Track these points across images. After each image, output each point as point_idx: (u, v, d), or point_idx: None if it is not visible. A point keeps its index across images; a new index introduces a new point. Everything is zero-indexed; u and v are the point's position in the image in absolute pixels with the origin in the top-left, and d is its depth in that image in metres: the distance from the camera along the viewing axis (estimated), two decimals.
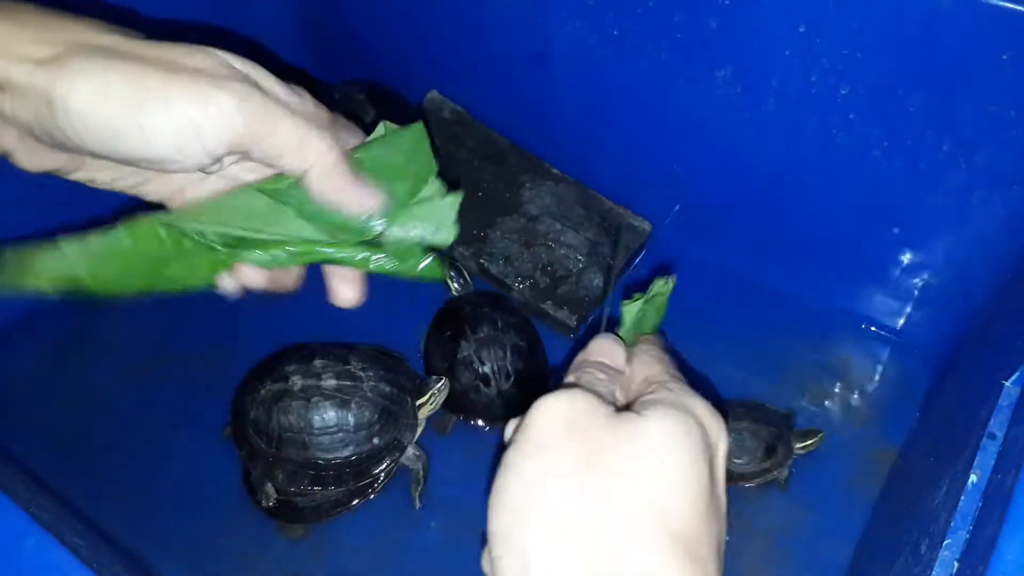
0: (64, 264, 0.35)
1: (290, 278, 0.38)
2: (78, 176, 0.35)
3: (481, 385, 0.67)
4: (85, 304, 0.77)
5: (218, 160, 0.33)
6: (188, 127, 0.31)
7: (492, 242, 0.75)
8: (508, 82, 0.76)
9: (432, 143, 0.37)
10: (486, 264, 0.73)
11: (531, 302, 0.72)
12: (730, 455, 0.61)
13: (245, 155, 0.33)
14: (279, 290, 0.38)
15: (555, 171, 0.78)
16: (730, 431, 0.61)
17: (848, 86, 0.57)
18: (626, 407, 0.33)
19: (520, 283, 0.73)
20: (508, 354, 0.67)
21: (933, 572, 0.40)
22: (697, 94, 0.64)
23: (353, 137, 0.37)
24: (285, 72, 0.36)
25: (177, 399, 0.70)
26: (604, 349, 0.37)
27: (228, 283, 0.37)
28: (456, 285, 0.73)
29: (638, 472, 0.28)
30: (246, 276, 0.37)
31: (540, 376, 0.69)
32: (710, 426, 0.31)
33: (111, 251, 0.35)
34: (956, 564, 0.40)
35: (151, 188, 0.37)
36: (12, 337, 0.75)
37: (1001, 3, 0.48)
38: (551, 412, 0.30)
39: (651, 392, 0.33)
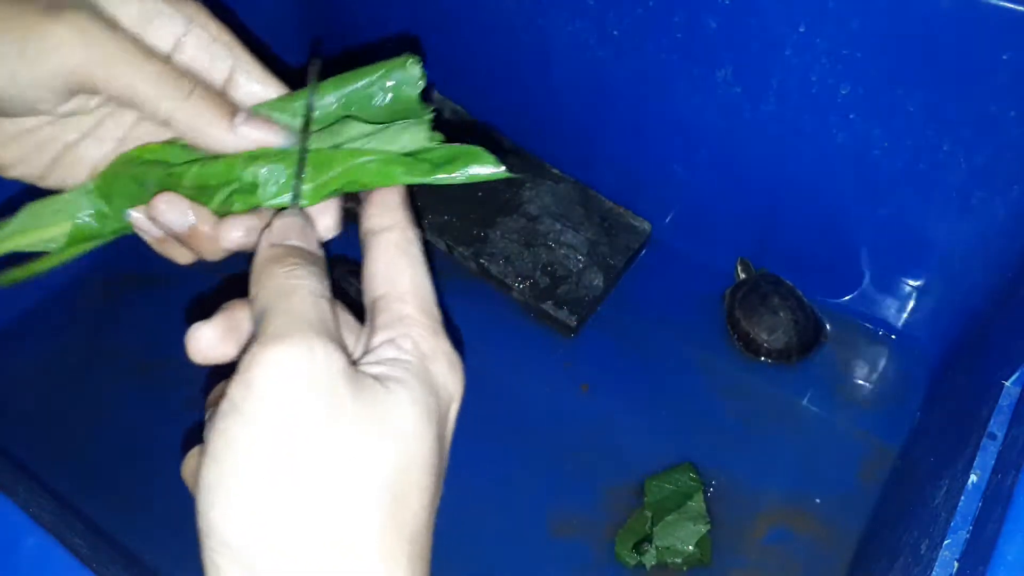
0: (72, 208, 0.34)
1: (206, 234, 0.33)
2: None
3: None
4: (85, 302, 0.77)
5: (66, 100, 0.31)
6: (19, 59, 0.29)
7: (492, 242, 0.75)
8: (508, 82, 0.76)
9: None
10: (486, 264, 0.73)
11: (531, 302, 0.72)
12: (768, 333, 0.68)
13: (95, 94, 0.31)
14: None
15: (555, 171, 0.78)
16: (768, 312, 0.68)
17: (848, 86, 0.57)
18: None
19: (520, 283, 0.73)
20: None
21: (933, 572, 0.40)
22: (697, 94, 0.64)
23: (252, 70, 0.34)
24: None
25: (177, 399, 0.70)
26: (292, 230, 0.31)
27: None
28: None
29: (380, 459, 0.25)
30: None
31: None
32: (449, 387, 0.29)
33: (118, 171, 0.34)
34: (956, 564, 0.40)
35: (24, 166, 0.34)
36: (12, 337, 0.75)
37: (1001, 3, 0.48)
38: (288, 370, 0.25)
39: (394, 342, 0.29)
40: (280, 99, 0.35)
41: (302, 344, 0.25)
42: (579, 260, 0.74)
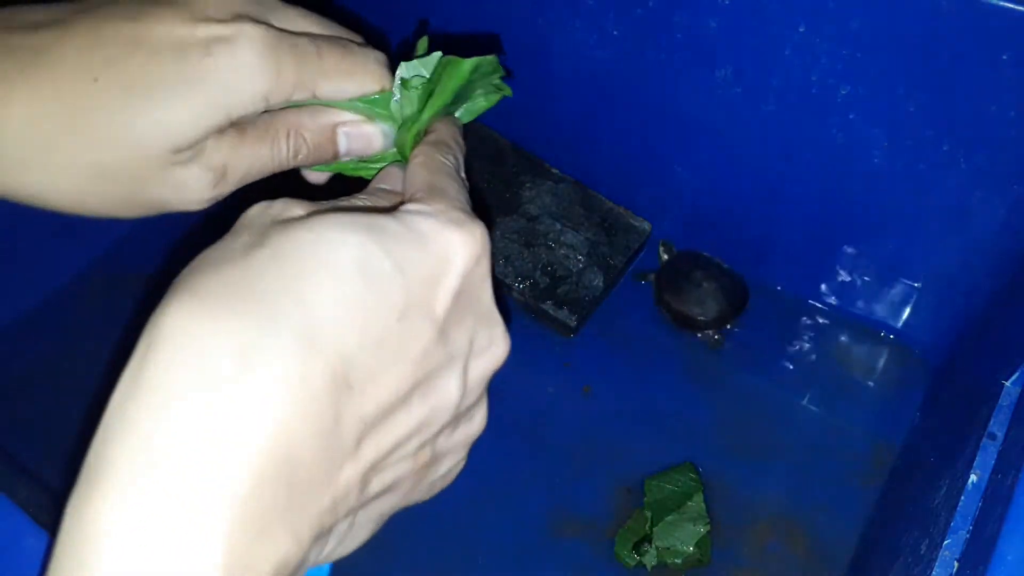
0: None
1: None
2: None
3: None
4: (85, 302, 0.77)
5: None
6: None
7: (492, 242, 0.74)
8: (508, 82, 0.76)
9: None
10: None
11: (531, 302, 0.72)
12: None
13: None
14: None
15: (555, 171, 0.78)
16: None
17: (848, 86, 0.57)
18: None
19: (520, 283, 0.73)
20: None
21: (933, 572, 0.40)
22: (697, 94, 0.64)
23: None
24: None
25: None
26: (386, 175, 0.36)
27: None
28: None
29: (285, 276, 0.25)
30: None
31: None
32: (440, 242, 0.27)
33: None
34: (956, 564, 0.40)
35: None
36: (12, 337, 0.75)
37: (1001, 3, 0.48)
38: (252, 211, 0.28)
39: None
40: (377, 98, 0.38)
41: (266, 201, 0.28)
42: (579, 260, 0.74)
